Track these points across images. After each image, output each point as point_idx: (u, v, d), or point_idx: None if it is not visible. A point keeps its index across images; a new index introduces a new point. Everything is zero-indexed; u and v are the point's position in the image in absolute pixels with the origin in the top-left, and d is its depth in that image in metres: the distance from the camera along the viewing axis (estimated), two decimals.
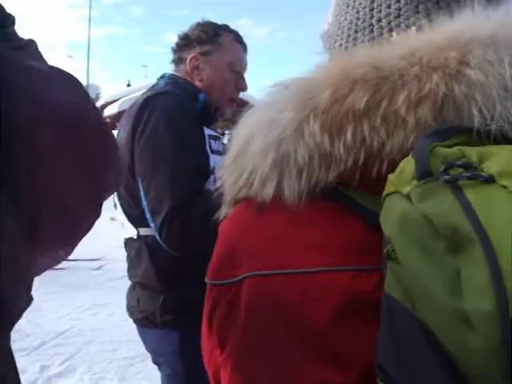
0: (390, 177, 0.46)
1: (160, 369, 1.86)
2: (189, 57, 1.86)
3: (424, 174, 0.42)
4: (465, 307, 0.35)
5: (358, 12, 0.63)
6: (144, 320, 1.80)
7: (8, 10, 0.58)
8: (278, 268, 0.53)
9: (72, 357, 3.87)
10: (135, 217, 1.76)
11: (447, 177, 0.40)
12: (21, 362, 3.49)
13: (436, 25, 0.53)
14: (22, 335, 4.02)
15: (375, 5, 0.62)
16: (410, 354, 0.39)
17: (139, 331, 1.90)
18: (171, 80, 1.86)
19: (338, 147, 0.50)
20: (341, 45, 0.65)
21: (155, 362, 1.87)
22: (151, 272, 1.76)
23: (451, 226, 0.37)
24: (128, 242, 1.86)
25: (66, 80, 0.61)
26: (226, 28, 1.92)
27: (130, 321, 1.90)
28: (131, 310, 1.88)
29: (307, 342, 0.50)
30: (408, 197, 0.42)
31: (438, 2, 0.59)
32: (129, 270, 1.90)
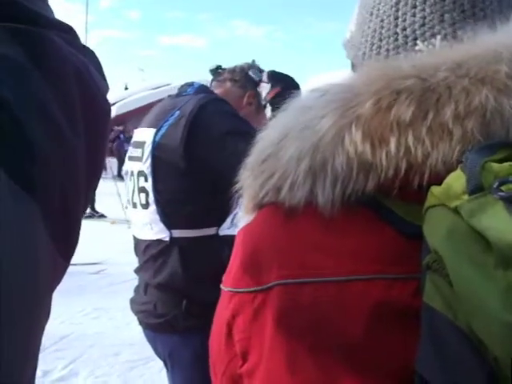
0: (435, 190, 0.46)
1: (172, 372, 1.84)
2: (247, 92, 2.02)
3: (476, 189, 0.42)
4: None
5: (382, 20, 0.64)
6: (164, 325, 1.78)
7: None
8: (310, 276, 0.53)
9: (74, 361, 3.86)
10: (175, 216, 1.78)
11: (502, 193, 0.41)
12: None
13: (476, 36, 0.53)
14: None
15: (400, 13, 0.62)
16: (453, 363, 0.40)
17: (150, 336, 1.88)
18: (201, 89, 1.92)
19: (379, 156, 0.50)
20: (364, 53, 0.65)
21: (168, 364, 1.85)
22: (179, 274, 1.77)
23: (507, 242, 0.38)
24: (152, 243, 1.84)
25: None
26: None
27: (132, 324, 1.90)
28: (143, 315, 1.86)
29: (341, 351, 0.50)
30: (456, 211, 0.42)
31: (464, 11, 0.59)
32: (144, 270, 1.88)
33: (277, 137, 0.59)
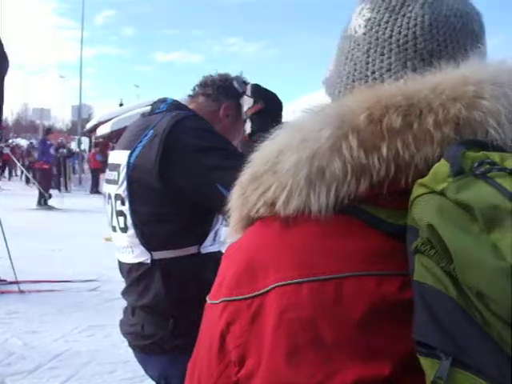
0: (421, 180, 0.55)
1: None
2: (223, 105, 1.96)
3: (458, 171, 0.52)
4: (510, 264, 0.44)
5: (355, 64, 0.74)
6: (151, 346, 1.77)
7: None
8: (307, 276, 0.58)
9: (69, 379, 3.83)
10: (155, 238, 1.75)
11: (482, 169, 0.51)
12: None
13: (444, 69, 0.64)
14: (18, 358, 3.99)
15: (370, 59, 0.73)
16: (448, 325, 0.48)
17: (139, 357, 1.87)
18: (174, 106, 1.89)
19: (372, 160, 0.59)
20: (340, 91, 0.76)
21: None
22: (162, 296, 1.74)
23: (490, 206, 0.47)
24: (133, 266, 1.82)
25: None
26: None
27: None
28: (132, 337, 1.84)
29: (341, 343, 0.56)
30: (441, 193, 0.52)
31: (423, 59, 0.70)
32: (128, 294, 1.87)
33: (274, 153, 0.65)
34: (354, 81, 0.74)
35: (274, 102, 1.92)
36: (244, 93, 1.93)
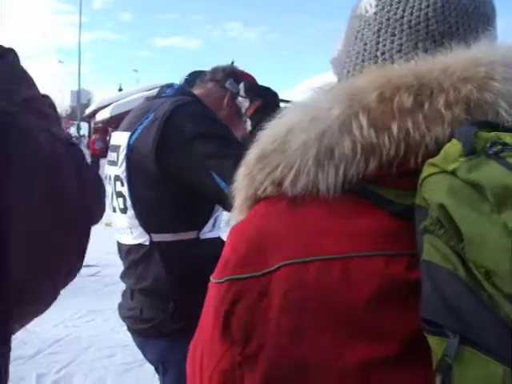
0: (432, 160, 0.55)
1: (164, 376, 1.82)
2: (227, 94, 1.94)
3: (470, 151, 0.52)
4: None
5: (365, 44, 0.74)
6: (150, 330, 1.77)
7: None
8: (314, 255, 0.58)
9: (69, 364, 3.85)
10: (153, 220, 1.75)
11: (495, 149, 0.51)
12: (18, 370, 3.47)
13: (455, 50, 0.64)
14: (19, 343, 4.00)
15: (381, 39, 0.72)
16: (456, 304, 0.47)
17: (138, 341, 1.87)
18: (180, 91, 1.89)
19: (383, 139, 0.58)
20: (348, 71, 0.75)
21: (160, 369, 1.84)
22: (163, 279, 1.74)
23: (503, 186, 0.47)
24: (132, 248, 1.82)
25: None
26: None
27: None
28: (131, 321, 1.84)
29: (348, 322, 0.56)
30: (452, 173, 0.51)
31: (435, 41, 0.69)
32: (127, 276, 1.86)
33: (282, 132, 0.65)
34: (363, 61, 0.73)
35: (269, 96, 1.90)
36: (238, 93, 1.91)
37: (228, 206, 1.69)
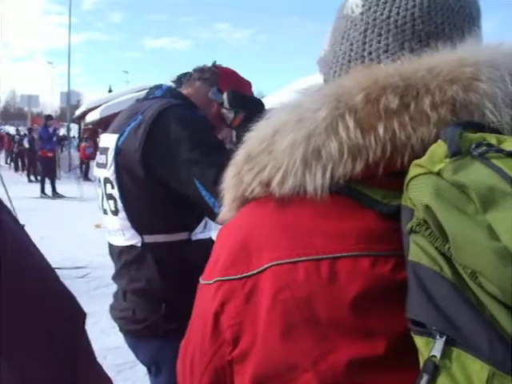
0: (417, 161, 0.55)
1: (157, 376, 1.82)
2: (211, 90, 1.93)
3: (455, 152, 0.52)
4: (505, 245, 0.45)
5: (351, 44, 0.73)
6: (143, 330, 1.77)
7: None
8: (302, 255, 0.59)
9: None
10: (144, 222, 1.75)
11: (479, 150, 0.51)
12: None
13: (441, 50, 0.64)
14: None
15: (367, 39, 0.72)
16: (442, 304, 0.48)
17: (131, 342, 1.87)
18: (169, 92, 1.88)
19: (369, 140, 0.59)
20: (335, 71, 0.75)
21: (153, 370, 1.84)
22: (156, 280, 1.74)
23: (487, 187, 0.48)
24: (124, 249, 1.82)
25: None
26: None
27: (118, 328, 1.88)
28: (123, 322, 1.84)
29: (335, 322, 0.56)
30: (438, 174, 0.52)
31: (421, 41, 0.69)
32: (120, 277, 1.86)
33: (269, 133, 0.65)
34: (350, 61, 0.73)
35: (254, 106, 1.89)
36: (222, 104, 1.90)
37: (211, 215, 1.70)
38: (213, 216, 1.67)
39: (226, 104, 1.88)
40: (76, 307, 0.61)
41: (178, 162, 1.65)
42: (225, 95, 1.89)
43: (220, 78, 1.96)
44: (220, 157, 1.55)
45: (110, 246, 1.91)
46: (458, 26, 0.70)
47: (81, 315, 0.65)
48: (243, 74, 2.06)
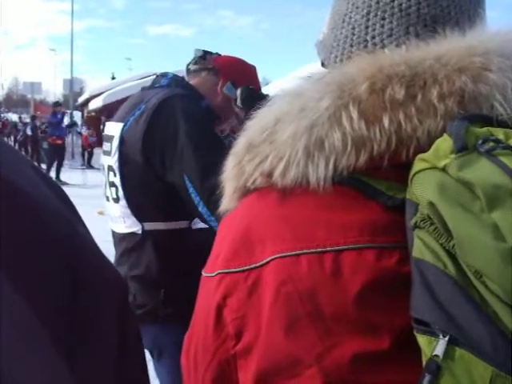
0: (422, 155, 0.54)
1: (159, 361, 1.85)
2: (221, 82, 1.95)
3: (462, 148, 0.50)
4: (510, 245, 0.44)
5: (353, 28, 0.70)
6: (144, 315, 1.79)
7: None
8: (305, 248, 0.57)
9: None
10: (145, 210, 1.77)
11: (487, 147, 0.50)
12: None
13: (449, 37, 0.62)
14: None
15: (370, 23, 0.68)
16: (446, 303, 0.47)
17: None
18: (175, 81, 1.89)
19: (374, 131, 0.57)
20: (336, 56, 0.72)
21: (155, 355, 1.86)
22: (155, 266, 1.77)
23: (494, 185, 0.46)
24: (125, 236, 1.84)
25: None
26: None
27: None
28: None
29: (340, 316, 0.55)
30: (442, 169, 0.51)
31: (426, 25, 0.66)
32: (121, 264, 1.88)
33: (271, 122, 0.63)
34: (352, 45, 0.69)
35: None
36: (235, 100, 1.92)
37: (194, 213, 1.71)
38: (196, 213, 1.70)
39: (238, 102, 1.90)
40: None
41: (172, 154, 1.67)
42: (238, 91, 1.91)
43: (225, 67, 1.97)
44: (214, 155, 1.54)
45: (113, 232, 1.94)
46: (463, 8, 0.67)
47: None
48: (247, 60, 2.05)
